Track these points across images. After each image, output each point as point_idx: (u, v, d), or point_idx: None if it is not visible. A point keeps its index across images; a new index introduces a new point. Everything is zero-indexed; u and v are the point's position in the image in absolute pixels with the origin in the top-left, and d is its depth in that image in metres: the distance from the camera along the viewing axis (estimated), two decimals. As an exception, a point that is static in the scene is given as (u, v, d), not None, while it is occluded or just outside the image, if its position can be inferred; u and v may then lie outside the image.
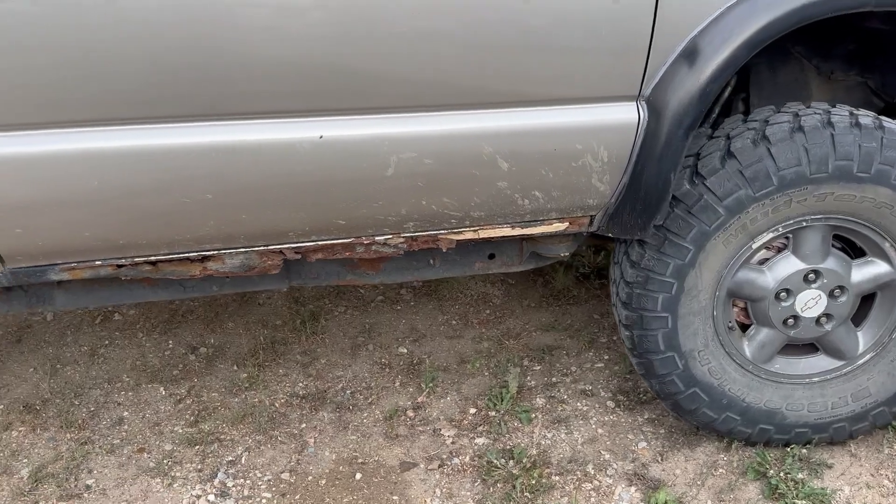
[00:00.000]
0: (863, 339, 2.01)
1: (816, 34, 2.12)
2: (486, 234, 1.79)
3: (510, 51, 1.55)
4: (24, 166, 1.44)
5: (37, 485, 2.11)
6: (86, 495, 2.08)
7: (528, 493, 2.02)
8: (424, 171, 1.61)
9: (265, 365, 2.60)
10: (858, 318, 2.02)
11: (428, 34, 1.50)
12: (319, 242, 1.70)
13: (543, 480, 2.07)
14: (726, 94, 2.21)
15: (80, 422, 2.35)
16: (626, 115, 1.67)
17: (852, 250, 1.96)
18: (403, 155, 1.58)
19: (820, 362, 2.02)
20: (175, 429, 2.33)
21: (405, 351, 2.67)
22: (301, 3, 1.41)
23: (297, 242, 1.68)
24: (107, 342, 2.75)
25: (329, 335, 2.76)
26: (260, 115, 1.51)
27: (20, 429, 2.33)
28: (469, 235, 1.78)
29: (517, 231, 1.80)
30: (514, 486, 2.04)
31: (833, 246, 1.93)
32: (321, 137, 1.53)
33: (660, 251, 1.85)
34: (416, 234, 1.74)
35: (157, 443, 2.27)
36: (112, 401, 2.45)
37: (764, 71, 2.19)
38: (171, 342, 2.74)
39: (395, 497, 2.07)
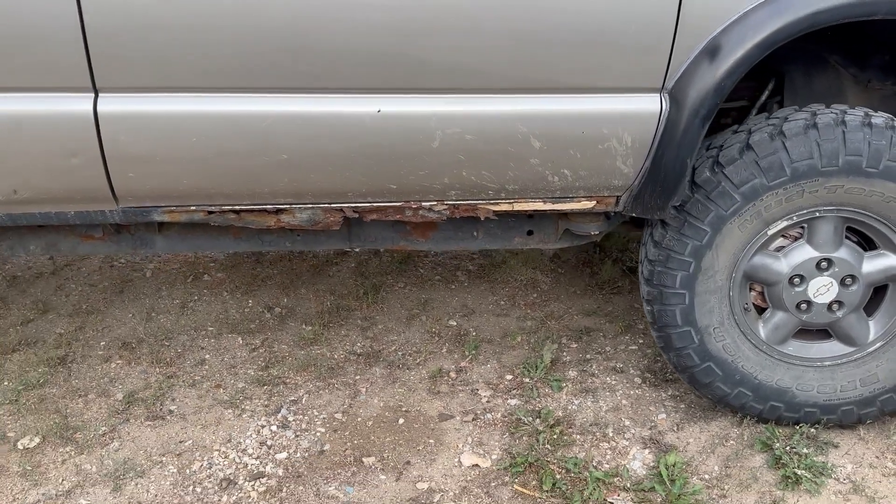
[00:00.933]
0: (874, 327, 2.13)
1: (853, 43, 2.27)
2: (520, 206, 2.02)
3: (545, 44, 1.79)
4: (141, 123, 1.77)
5: (128, 406, 2.47)
6: (168, 418, 2.42)
7: (548, 445, 2.23)
8: (466, 145, 1.86)
9: (329, 325, 2.90)
10: (871, 308, 2.14)
11: (472, 29, 1.75)
12: (374, 204, 1.98)
13: (565, 437, 2.28)
14: (764, 97, 2.39)
15: (167, 359, 2.70)
16: (650, 105, 1.88)
17: (867, 243, 2.09)
18: (448, 130, 1.84)
19: (832, 347, 2.16)
20: (248, 371, 2.65)
21: (454, 323, 2.93)
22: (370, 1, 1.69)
23: (355, 202, 1.97)
24: (196, 297, 3.12)
25: (388, 305, 3.05)
26: (332, 90, 1.80)
27: (118, 361, 2.70)
28: (505, 207, 2.02)
29: (549, 206, 2.03)
30: (537, 440, 2.26)
31: (848, 238, 2.08)
32: (378, 111, 1.81)
33: (680, 232, 2.05)
34: (458, 202, 2.00)
35: (232, 381, 2.60)
36: (196, 345, 2.80)
37: (799, 77, 2.35)
38: (250, 301, 3.09)
39: (430, 441, 2.32)
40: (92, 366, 2.67)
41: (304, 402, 2.49)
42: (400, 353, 2.74)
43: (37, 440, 2.30)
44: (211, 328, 2.90)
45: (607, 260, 3.29)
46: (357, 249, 2.79)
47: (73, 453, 2.26)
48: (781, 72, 2.34)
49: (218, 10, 1.68)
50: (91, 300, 3.09)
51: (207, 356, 2.74)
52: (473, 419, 2.40)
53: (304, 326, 2.90)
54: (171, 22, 1.68)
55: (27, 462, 2.21)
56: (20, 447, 2.28)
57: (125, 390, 2.54)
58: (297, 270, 3.32)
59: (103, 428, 2.36)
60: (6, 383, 2.57)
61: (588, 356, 2.71)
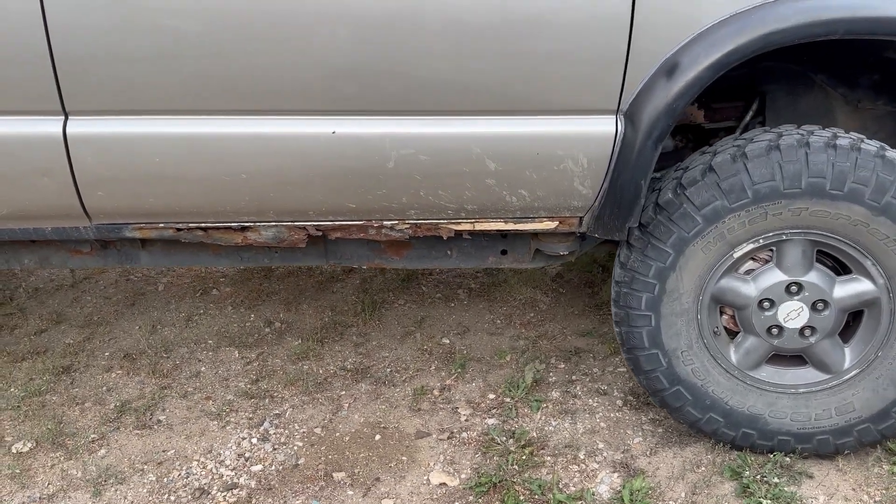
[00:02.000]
0: (850, 354, 2.06)
1: (840, 63, 2.22)
2: (481, 226, 2.04)
3: (496, 67, 1.81)
4: (108, 144, 1.87)
5: (120, 415, 2.57)
6: (156, 427, 2.51)
7: (516, 466, 2.23)
8: (421, 166, 1.90)
9: (324, 341, 2.96)
10: (848, 334, 2.08)
11: (425, 52, 1.79)
12: (336, 222, 2.03)
13: (535, 458, 2.27)
14: (748, 117, 2.35)
15: (164, 371, 2.80)
16: (606, 127, 1.88)
17: (842, 268, 2.04)
18: (403, 151, 1.88)
19: (806, 374, 2.10)
20: (239, 384, 2.72)
21: (447, 341, 2.94)
22: (330, 29, 1.75)
23: (317, 220, 2.02)
24: (201, 311, 3.23)
25: (384, 322, 3.09)
26: (288, 112, 1.87)
27: (118, 372, 2.82)
28: (466, 227, 2.05)
29: (510, 226, 2.05)
30: (506, 460, 2.26)
31: (821, 262, 2.02)
32: (333, 133, 1.86)
33: (644, 253, 2.03)
34: (419, 221, 2.03)
35: (222, 393, 2.68)
36: (194, 357, 2.90)
37: (782, 97, 2.31)
38: (252, 316, 3.18)
39: (403, 458, 2.34)
40: (93, 375, 2.79)
41: (287, 415, 2.55)
42: (388, 370, 2.77)
43: (30, 445, 2.42)
44: (210, 341, 3.00)
45: (609, 280, 3.25)
46: (332, 265, 2.82)
47: (62, 458, 2.37)
48: (762, 91, 2.30)
49: (177, 39, 1.76)
50: (103, 312, 3.23)
51: (203, 368, 2.83)
52: (449, 437, 2.42)
53: (299, 342, 2.96)
54: (134, 50, 1.77)
55: (18, 465, 2.33)
56: (14, 451, 2.39)
57: (120, 399, 2.64)
58: (303, 286, 3.40)
59: (93, 435, 2.46)
60: (12, 390, 2.70)
61: (574, 377, 2.69)
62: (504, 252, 2.31)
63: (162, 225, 2.03)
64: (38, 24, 1.73)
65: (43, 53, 1.76)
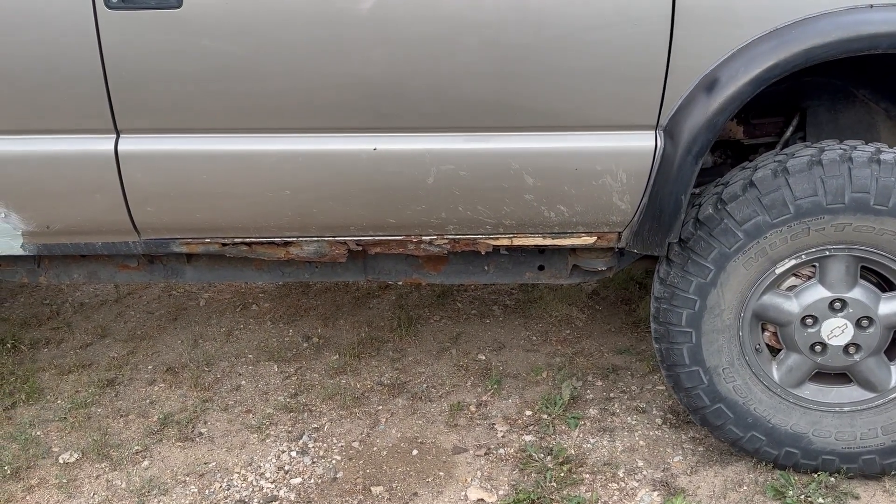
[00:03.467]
0: (896, 373, 2.03)
1: (882, 78, 2.20)
2: (519, 241, 2.06)
3: (535, 83, 1.83)
4: (157, 161, 1.93)
5: (163, 427, 2.61)
6: (197, 440, 2.55)
7: (554, 483, 2.22)
8: (460, 181, 1.92)
9: (361, 356, 2.98)
10: (895, 351, 2.04)
11: (465, 70, 1.82)
12: (376, 237, 2.06)
13: (573, 475, 2.26)
14: (788, 133, 2.34)
15: (206, 384, 2.85)
16: (645, 142, 1.89)
17: (887, 284, 2.01)
18: (442, 167, 1.91)
19: (851, 393, 2.06)
20: (278, 398, 2.76)
21: (483, 358, 2.95)
22: (370, 49, 1.80)
23: (357, 235, 2.05)
24: (241, 326, 3.28)
25: (420, 338, 3.11)
26: (331, 130, 1.91)
27: (161, 385, 2.87)
28: (504, 242, 2.06)
29: (548, 241, 2.06)
30: (544, 477, 2.25)
31: (865, 278, 1.99)
32: (375, 150, 1.90)
33: (684, 269, 2.02)
34: (457, 236, 2.05)
35: (262, 407, 2.71)
36: (235, 371, 2.94)
37: (823, 112, 2.29)
38: (291, 331, 3.22)
39: (441, 473, 2.35)
40: (137, 388, 2.85)
41: (325, 429, 2.57)
42: (425, 386, 2.79)
43: (77, 455, 2.47)
44: (250, 355, 3.04)
45: (646, 297, 3.24)
46: (369, 281, 2.83)
47: (107, 469, 2.42)
48: (804, 106, 2.28)
49: (224, 60, 1.82)
50: (146, 326, 3.29)
51: (243, 382, 2.87)
52: (486, 453, 2.42)
53: (337, 357, 2.99)
54: (182, 72, 1.83)
55: (65, 475, 2.38)
56: (61, 461, 2.45)
57: (162, 412, 2.69)
58: (340, 302, 3.43)
59: (137, 447, 2.51)
60: (59, 402, 2.77)
61: (612, 395, 2.67)
62: (541, 267, 2.32)
63: (208, 240, 2.08)
64: (94, 45, 1.80)
65: (97, 74, 1.82)
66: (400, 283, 3.52)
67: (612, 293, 3.38)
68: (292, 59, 1.83)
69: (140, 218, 2.00)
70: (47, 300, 3.56)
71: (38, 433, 2.59)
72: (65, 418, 2.66)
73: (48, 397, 2.79)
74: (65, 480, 2.36)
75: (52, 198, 1.97)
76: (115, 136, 1.91)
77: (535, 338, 3.08)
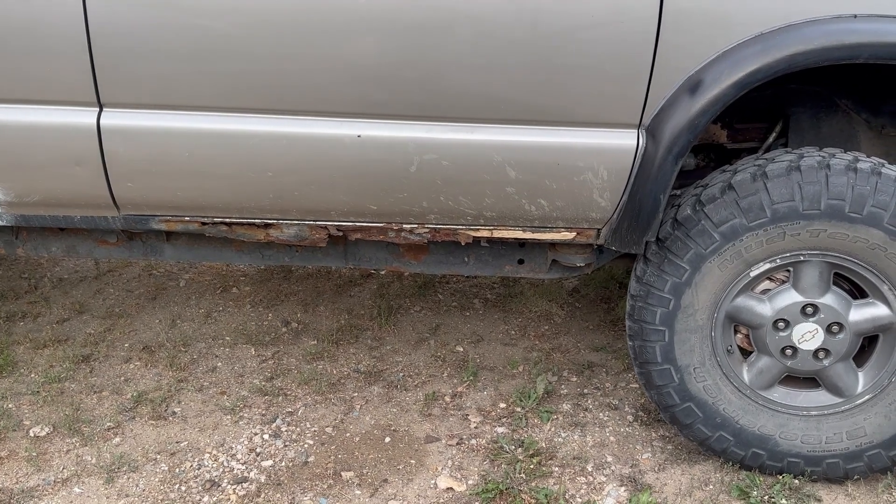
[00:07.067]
0: (863, 379, 2.06)
1: (864, 88, 2.23)
2: (499, 234, 2.06)
3: (521, 78, 1.84)
4: (140, 137, 1.92)
5: (137, 405, 2.61)
6: (170, 419, 2.55)
7: (523, 475, 2.24)
8: (442, 171, 1.93)
9: (340, 343, 2.99)
10: (862, 358, 2.07)
11: (450, 61, 1.82)
12: (357, 223, 2.06)
13: (543, 468, 2.28)
14: (770, 139, 2.36)
15: (182, 365, 2.84)
16: (627, 140, 1.90)
17: (858, 292, 2.03)
18: (426, 156, 1.91)
19: (819, 397, 2.09)
20: (253, 381, 2.76)
21: (461, 349, 2.96)
22: (362, 35, 1.79)
23: (338, 221, 2.05)
24: (220, 308, 3.27)
25: (400, 327, 3.11)
26: (316, 113, 1.91)
27: (136, 363, 2.86)
28: (484, 234, 2.07)
29: (528, 235, 2.07)
30: (514, 468, 2.27)
31: (839, 285, 2.02)
32: (359, 136, 1.90)
33: (660, 268, 2.04)
34: (438, 226, 2.06)
35: (237, 389, 2.71)
36: (212, 353, 2.94)
37: (805, 120, 2.32)
38: (270, 315, 3.21)
39: (412, 461, 2.36)
40: (112, 365, 2.84)
41: (299, 414, 2.58)
42: (401, 375, 2.79)
43: (47, 429, 2.46)
44: (228, 338, 3.04)
45: (626, 296, 3.25)
46: (351, 268, 2.84)
47: (77, 444, 2.41)
48: (786, 113, 2.31)
49: (211, 38, 1.82)
50: (125, 305, 3.28)
51: (219, 364, 2.86)
52: (458, 443, 2.43)
53: (315, 342, 2.99)
54: (169, 48, 1.82)
55: (35, 448, 2.37)
56: (32, 434, 2.44)
57: (137, 390, 2.68)
58: (321, 289, 3.43)
59: (109, 423, 2.50)
60: (33, 375, 2.76)
61: (586, 391, 2.70)
62: (521, 261, 2.33)
63: (188, 218, 2.07)
64: (79, 18, 1.79)
65: (82, 45, 1.81)
66: (382, 272, 3.53)
67: (593, 291, 3.40)
68: (281, 40, 1.83)
69: (120, 193, 1.99)
70: (25, 274, 3.54)
71: (10, 406, 2.58)
72: (37, 392, 2.65)
73: (22, 370, 2.78)
74: (34, 454, 2.35)
75: (32, 169, 1.96)
76: (97, 109, 1.90)
77: (513, 332, 3.10)
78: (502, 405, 2.62)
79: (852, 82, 2.23)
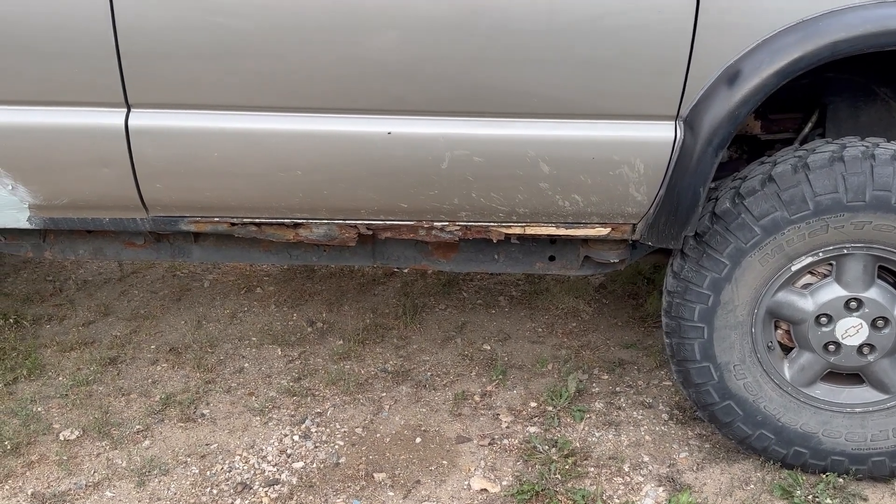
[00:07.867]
0: (910, 374, 2.00)
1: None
2: (532, 230, 2.02)
3: (555, 70, 1.80)
4: (168, 137, 1.90)
5: (165, 407, 2.59)
6: (199, 421, 2.53)
7: (559, 476, 2.20)
8: (474, 167, 1.89)
9: (366, 342, 2.96)
10: (910, 354, 2.01)
11: (482, 55, 1.79)
12: (387, 222, 2.03)
13: (578, 468, 2.24)
14: (807, 129, 2.31)
15: (209, 366, 2.83)
16: (664, 133, 1.85)
17: (905, 285, 1.98)
18: (457, 152, 1.88)
19: (863, 393, 2.04)
20: (281, 382, 2.74)
21: (488, 348, 2.93)
22: (381, 29, 1.76)
23: (368, 220, 2.02)
24: (245, 309, 3.25)
25: (425, 326, 3.08)
26: (345, 111, 1.88)
27: (163, 365, 2.85)
28: (517, 231, 2.03)
29: (561, 231, 2.03)
30: (549, 469, 2.23)
31: (884, 279, 1.97)
32: (389, 133, 1.87)
33: (699, 263, 1.99)
34: (469, 223, 2.02)
35: (265, 390, 2.69)
36: (238, 354, 2.92)
37: (843, 109, 2.26)
38: (295, 315, 3.19)
39: (444, 462, 2.32)
40: (139, 367, 2.83)
41: (328, 414, 2.55)
42: (429, 374, 2.76)
43: (77, 433, 2.45)
44: (254, 338, 3.02)
45: (654, 292, 3.21)
46: (378, 266, 2.80)
47: (107, 447, 2.40)
48: (823, 102, 2.25)
49: (238, 37, 1.79)
50: (150, 306, 3.27)
51: (246, 365, 2.84)
52: (490, 443, 2.39)
53: (341, 342, 2.97)
54: (196, 47, 1.80)
55: (65, 452, 2.36)
56: (62, 438, 2.43)
57: (165, 392, 2.67)
58: (345, 288, 3.40)
59: (138, 426, 2.49)
60: (60, 378, 2.75)
61: (618, 389, 2.65)
62: (552, 258, 2.29)
63: (217, 219, 2.05)
64: (107, 19, 1.77)
65: (110, 47, 1.79)
66: (405, 271, 3.49)
67: (620, 287, 3.35)
68: (308, 37, 1.80)
69: (149, 194, 1.97)
70: (50, 277, 3.54)
71: (40, 409, 2.57)
72: (66, 395, 2.64)
73: (50, 374, 2.77)
74: (65, 457, 2.34)
75: (60, 171, 1.94)
76: (125, 110, 1.88)
77: (540, 329, 3.06)
78: (533, 404, 2.58)
79: (892, 70, 2.17)
